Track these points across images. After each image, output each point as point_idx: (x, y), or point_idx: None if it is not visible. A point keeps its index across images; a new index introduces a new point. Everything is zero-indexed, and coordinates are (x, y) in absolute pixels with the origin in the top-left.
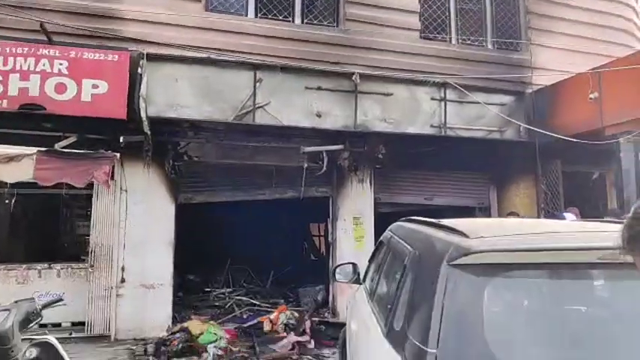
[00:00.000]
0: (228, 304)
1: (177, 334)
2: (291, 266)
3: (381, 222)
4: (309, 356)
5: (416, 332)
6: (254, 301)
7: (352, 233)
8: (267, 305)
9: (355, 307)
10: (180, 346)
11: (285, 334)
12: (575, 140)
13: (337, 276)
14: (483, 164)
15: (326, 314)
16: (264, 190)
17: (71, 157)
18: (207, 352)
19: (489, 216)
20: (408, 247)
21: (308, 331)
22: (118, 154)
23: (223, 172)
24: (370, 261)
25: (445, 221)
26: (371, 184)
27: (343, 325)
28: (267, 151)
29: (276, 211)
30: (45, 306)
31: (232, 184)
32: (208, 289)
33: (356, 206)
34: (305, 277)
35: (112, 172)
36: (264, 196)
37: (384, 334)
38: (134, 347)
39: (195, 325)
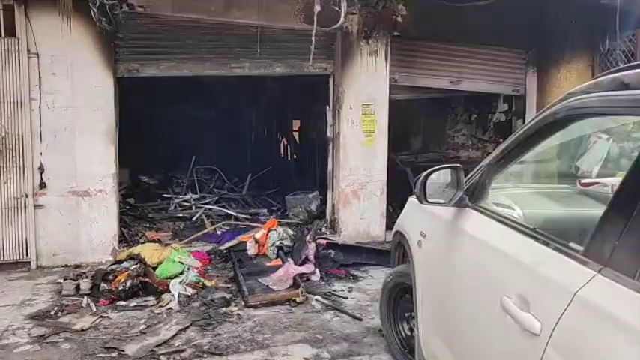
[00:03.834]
0: (196, 216)
1: (125, 263)
2: (269, 167)
3: (393, 112)
4: (318, 297)
5: None
6: (229, 212)
7: (360, 126)
8: (245, 217)
9: (479, 255)
10: (129, 283)
11: (279, 261)
12: None
13: (428, 197)
14: (523, 36)
15: (323, 229)
16: (243, 62)
17: None
18: (169, 291)
19: (524, 106)
20: None
21: (312, 257)
22: None
23: (184, 34)
24: (504, 159)
25: None
26: (386, 59)
27: (354, 247)
28: (247, 4)
29: (252, 97)
30: None
31: (197, 51)
32: (168, 196)
33: (366, 89)
34: (287, 180)
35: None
36: (242, 70)
37: None
38: (62, 281)
39: (150, 250)
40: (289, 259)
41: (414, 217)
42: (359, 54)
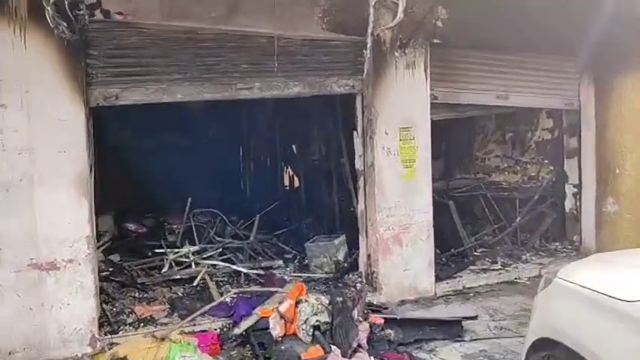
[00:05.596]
0: (197, 278)
1: None
2: (276, 202)
3: (433, 135)
4: None
5: None
6: (238, 268)
7: (398, 154)
8: (258, 273)
9: None
10: None
11: (319, 349)
12: None
13: None
14: (576, 40)
15: (357, 286)
16: (251, 81)
17: None
18: None
19: (579, 122)
20: None
21: (364, 343)
22: None
23: (177, 48)
24: None
25: None
26: (426, 72)
27: (413, 320)
28: (256, 9)
29: (250, 121)
30: None
31: (194, 70)
32: (160, 250)
33: (403, 109)
34: (297, 218)
35: None
36: (250, 92)
37: None
38: None
39: (141, 350)
40: (333, 347)
41: (613, 330)
42: (393, 67)
